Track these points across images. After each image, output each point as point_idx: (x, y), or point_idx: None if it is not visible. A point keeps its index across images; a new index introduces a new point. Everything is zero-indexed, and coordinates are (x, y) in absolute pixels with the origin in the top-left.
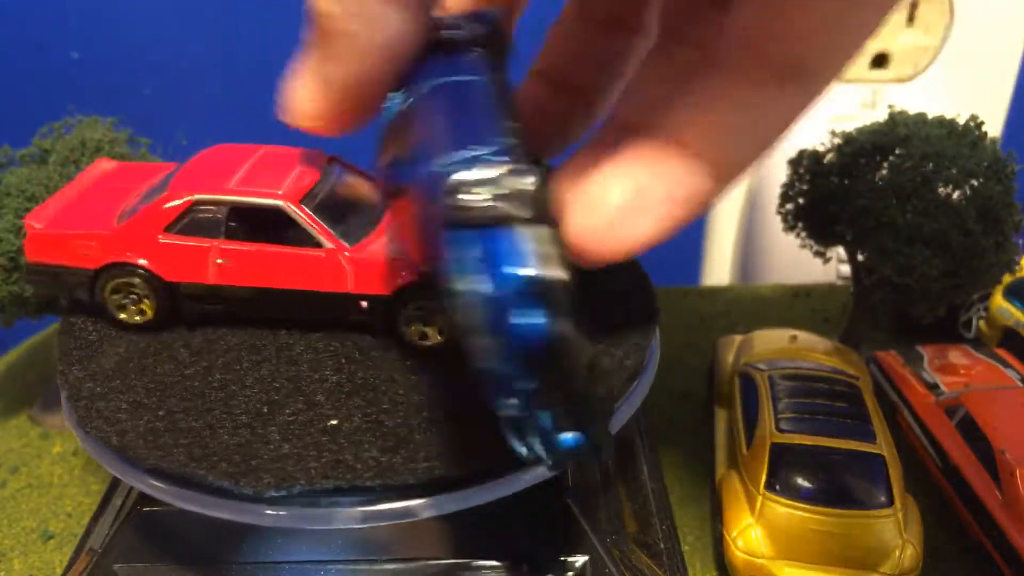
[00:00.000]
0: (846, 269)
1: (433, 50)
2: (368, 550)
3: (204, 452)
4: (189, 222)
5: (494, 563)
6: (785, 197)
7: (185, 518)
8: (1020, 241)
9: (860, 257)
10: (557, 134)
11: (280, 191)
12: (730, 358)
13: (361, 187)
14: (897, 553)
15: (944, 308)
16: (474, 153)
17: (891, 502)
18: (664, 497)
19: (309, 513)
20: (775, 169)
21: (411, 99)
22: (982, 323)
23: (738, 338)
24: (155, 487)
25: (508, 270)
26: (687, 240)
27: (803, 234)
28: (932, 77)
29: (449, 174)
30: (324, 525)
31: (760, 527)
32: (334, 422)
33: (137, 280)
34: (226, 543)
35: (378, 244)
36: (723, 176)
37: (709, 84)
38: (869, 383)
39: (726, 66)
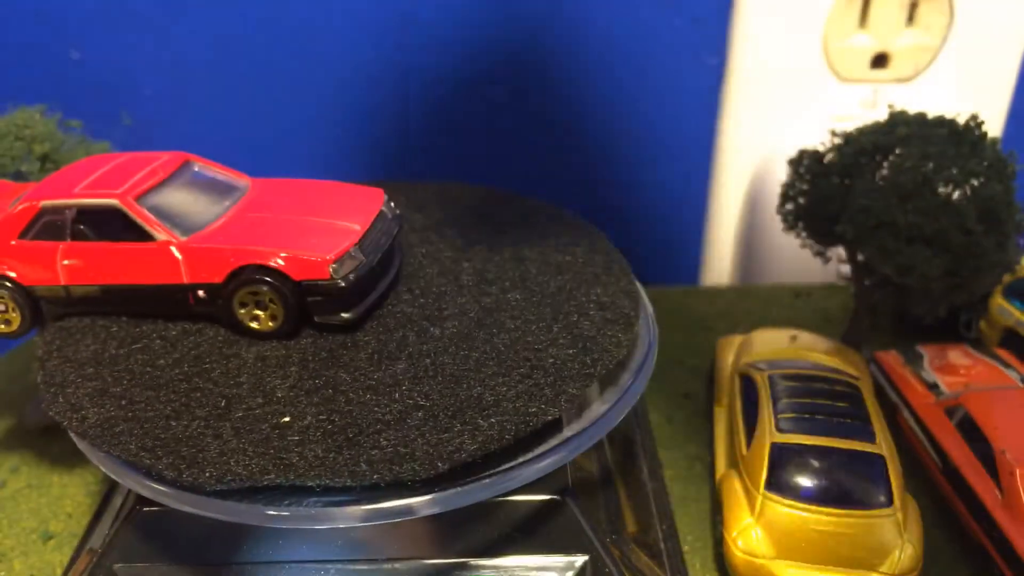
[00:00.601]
0: (846, 269)
1: None
2: (368, 550)
3: (155, 443)
4: (40, 227)
5: (494, 563)
6: (785, 197)
7: (185, 518)
8: (1021, 241)
9: (860, 257)
10: None
11: (118, 191)
12: (730, 358)
13: (217, 185)
14: (897, 553)
15: (945, 308)
16: None
17: (891, 502)
18: (664, 497)
19: (309, 513)
20: (775, 169)
21: None
22: (982, 323)
23: (738, 338)
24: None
25: None
26: (687, 240)
27: (803, 234)
28: (932, 77)
29: None
30: (324, 524)
31: (760, 527)
32: (286, 419)
33: None
34: (226, 543)
35: (210, 233)
36: None
37: None
38: (870, 383)
39: None
